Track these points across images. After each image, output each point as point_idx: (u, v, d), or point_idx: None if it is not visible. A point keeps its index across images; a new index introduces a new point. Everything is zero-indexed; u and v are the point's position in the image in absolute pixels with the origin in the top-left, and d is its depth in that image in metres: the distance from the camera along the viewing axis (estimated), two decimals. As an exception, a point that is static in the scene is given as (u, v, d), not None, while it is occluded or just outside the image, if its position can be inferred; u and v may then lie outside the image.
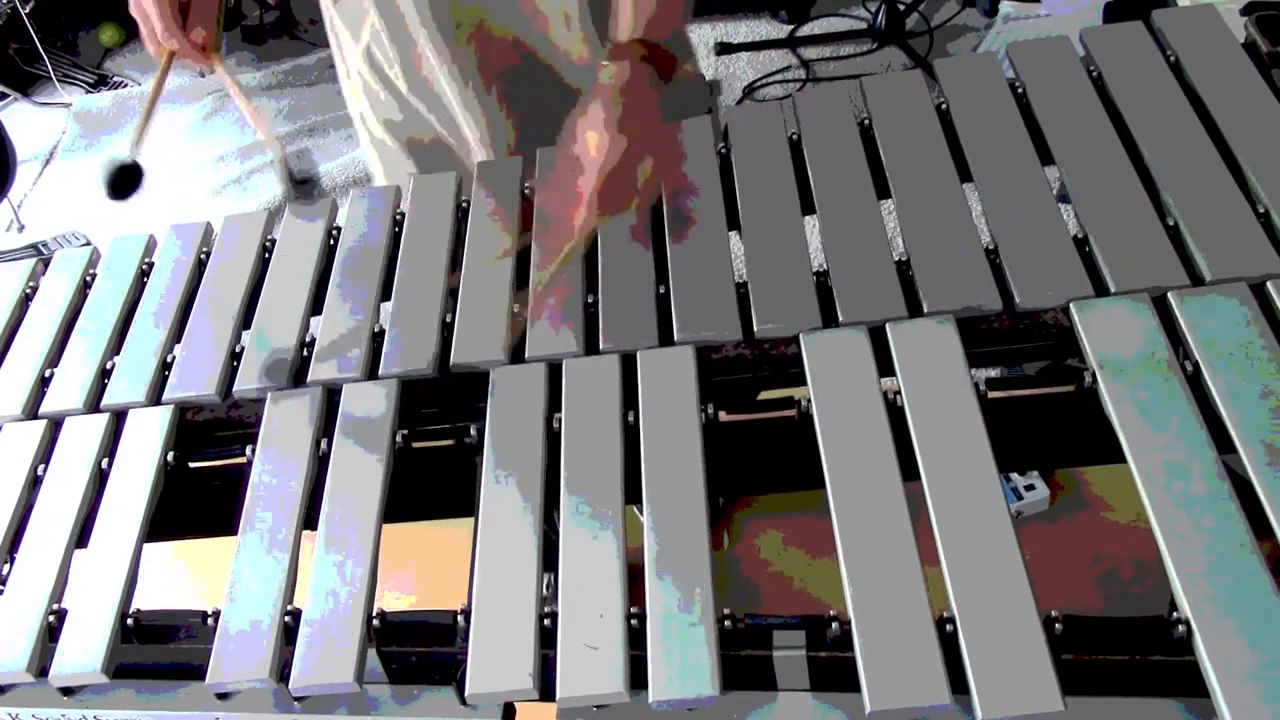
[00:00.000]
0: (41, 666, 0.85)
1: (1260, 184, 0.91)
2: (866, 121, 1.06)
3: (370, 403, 0.95)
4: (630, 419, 0.88)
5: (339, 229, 1.12)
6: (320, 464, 0.92)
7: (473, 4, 1.15)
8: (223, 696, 0.84)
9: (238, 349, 1.03)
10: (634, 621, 0.76)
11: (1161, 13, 1.07)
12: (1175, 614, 0.70)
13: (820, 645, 0.77)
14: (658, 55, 0.96)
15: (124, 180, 1.02)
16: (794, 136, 1.06)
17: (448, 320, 0.99)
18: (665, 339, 0.93)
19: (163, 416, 0.99)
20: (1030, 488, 1.88)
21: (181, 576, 1.87)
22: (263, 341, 1.02)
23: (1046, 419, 0.89)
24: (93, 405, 1.02)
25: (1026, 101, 1.03)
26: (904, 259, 0.93)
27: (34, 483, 0.97)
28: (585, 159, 0.93)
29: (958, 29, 2.94)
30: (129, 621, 0.86)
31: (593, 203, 0.93)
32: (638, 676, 0.74)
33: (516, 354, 0.95)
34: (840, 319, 0.90)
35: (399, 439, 0.92)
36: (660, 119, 0.96)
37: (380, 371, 0.97)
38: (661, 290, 0.96)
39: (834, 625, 0.75)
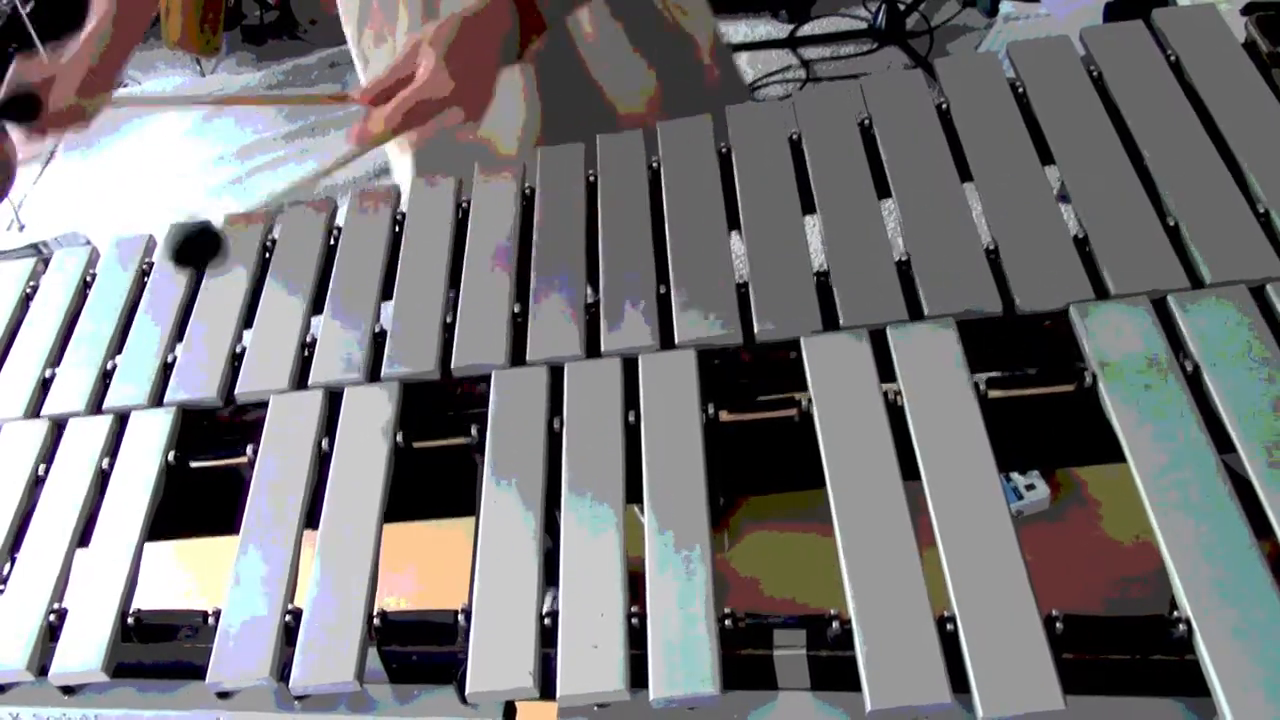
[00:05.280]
0: (42, 665, 0.85)
1: (1260, 185, 0.91)
2: (867, 121, 1.06)
3: (372, 406, 0.95)
4: (631, 419, 0.88)
5: (339, 229, 1.12)
6: (321, 464, 0.92)
7: None
8: (223, 696, 0.84)
9: (239, 350, 1.03)
10: (634, 621, 0.76)
11: (1161, 12, 1.07)
12: (1175, 613, 0.70)
13: (821, 644, 0.77)
14: (527, 8, 0.98)
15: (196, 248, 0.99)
16: (794, 136, 1.06)
17: (448, 322, 0.99)
18: (666, 341, 0.93)
19: (164, 419, 0.99)
20: (1030, 488, 1.88)
21: (181, 576, 1.87)
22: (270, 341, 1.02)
23: (1046, 419, 0.89)
24: (95, 407, 1.02)
25: (1026, 101, 1.03)
26: (904, 260, 0.93)
27: (36, 483, 0.97)
28: (408, 69, 0.95)
29: (958, 29, 2.94)
30: (130, 621, 0.86)
31: (393, 120, 0.94)
32: (638, 675, 0.74)
33: (518, 357, 0.95)
34: (841, 322, 0.90)
35: (399, 438, 0.92)
36: (487, 62, 0.98)
37: (382, 374, 0.97)
38: (661, 291, 0.97)
39: (834, 625, 0.75)
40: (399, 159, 1.38)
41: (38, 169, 3.18)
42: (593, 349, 0.94)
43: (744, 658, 0.77)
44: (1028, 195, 0.95)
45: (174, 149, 3.12)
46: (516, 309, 0.99)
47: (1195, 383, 0.80)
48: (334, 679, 0.79)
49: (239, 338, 1.05)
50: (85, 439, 0.99)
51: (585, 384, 0.91)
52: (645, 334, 0.94)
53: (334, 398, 0.96)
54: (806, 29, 3.02)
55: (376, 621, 0.82)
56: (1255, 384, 0.79)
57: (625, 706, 0.74)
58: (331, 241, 1.11)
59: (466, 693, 0.76)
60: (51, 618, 0.86)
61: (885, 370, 0.87)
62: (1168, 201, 0.92)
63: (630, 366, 0.92)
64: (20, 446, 1.00)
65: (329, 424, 0.95)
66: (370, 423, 0.93)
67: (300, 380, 0.99)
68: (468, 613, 0.80)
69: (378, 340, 1.00)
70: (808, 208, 1.00)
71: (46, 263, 1.19)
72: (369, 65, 1.32)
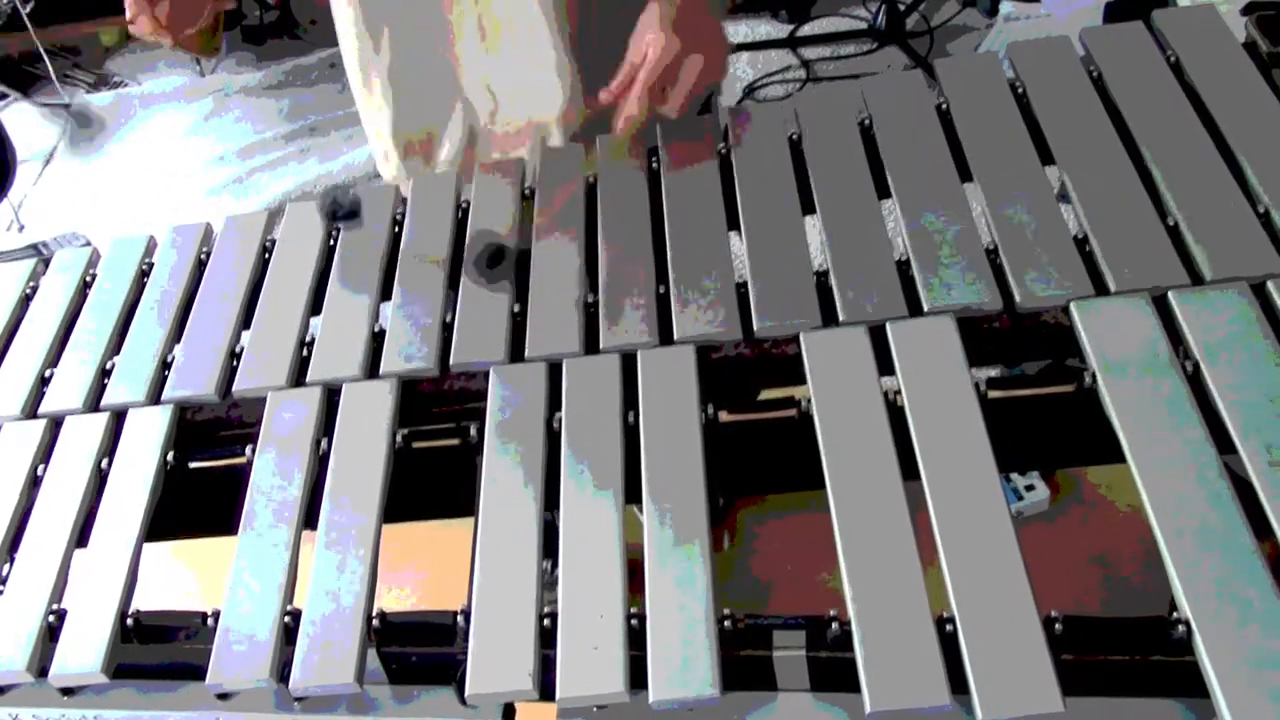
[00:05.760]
0: (42, 666, 0.84)
1: (1260, 184, 0.91)
2: (867, 121, 1.06)
3: (370, 402, 0.95)
4: (630, 419, 0.88)
5: (339, 229, 1.12)
6: (320, 464, 0.92)
7: None
8: (223, 697, 0.84)
9: (237, 349, 1.03)
10: (634, 621, 0.76)
11: (1161, 13, 1.07)
12: (1175, 614, 0.70)
13: (820, 645, 0.77)
14: None
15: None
16: (794, 136, 1.06)
17: (448, 320, 0.99)
18: (665, 339, 0.93)
19: (162, 416, 0.98)
20: (1030, 488, 1.88)
21: (181, 576, 1.87)
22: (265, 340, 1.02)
23: (1046, 419, 0.89)
24: (92, 405, 1.02)
25: (1027, 101, 1.03)
26: (904, 259, 0.93)
27: (34, 482, 0.97)
28: (641, 54, 1.02)
29: (958, 29, 2.94)
30: (129, 621, 0.86)
31: (642, 96, 1.01)
32: (638, 676, 0.74)
33: (516, 353, 0.95)
34: (841, 318, 0.90)
35: (399, 439, 0.92)
36: (712, 22, 1.06)
37: (380, 370, 0.97)
38: (661, 290, 0.96)
39: (834, 625, 0.75)
40: (384, 164, 1.37)
41: (38, 168, 3.18)
42: (591, 346, 0.94)
43: (743, 659, 0.77)
44: (1028, 195, 0.95)
45: (174, 149, 3.12)
46: (516, 308, 0.98)
47: (1195, 381, 0.80)
48: (334, 680, 0.79)
49: (237, 337, 1.05)
50: (83, 437, 0.99)
51: (584, 380, 0.91)
52: (644, 331, 0.94)
53: (332, 395, 0.96)
54: (806, 29, 3.02)
55: (376, 622, 0.82)
56: (1256, 381, 0.79)
57: (625, 708, 0.74)
58: (331, 241, 1.11)
59: (466, 694, 0.76)
60: (51, 618, 0.86)
61: (885, 367, 0.87)
62: (1168, 200, 0.92)
63: (629, 362, 0.92)
64: (18, 446, 0.99)
65: (327, 421, 0.95)
66: (369, 419, 0.93)
67: (298, 378, 0.99)
68: (467, 614, 0.80)
69: (376, 338, 1.00)
70: (808, 208, 1.00)
71: (47, 263, 1.19)
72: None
